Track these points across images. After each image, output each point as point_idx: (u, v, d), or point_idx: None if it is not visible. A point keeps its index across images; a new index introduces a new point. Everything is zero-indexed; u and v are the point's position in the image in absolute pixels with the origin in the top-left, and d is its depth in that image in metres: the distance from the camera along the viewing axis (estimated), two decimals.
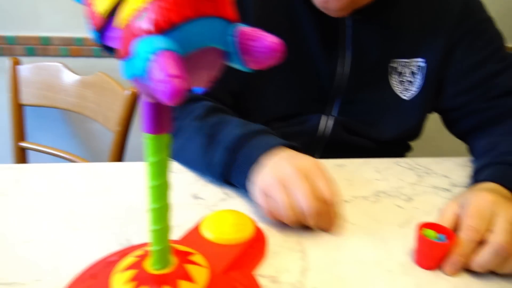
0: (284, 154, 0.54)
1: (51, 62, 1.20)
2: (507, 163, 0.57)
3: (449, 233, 0.46)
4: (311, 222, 0.49)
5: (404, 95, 0.77)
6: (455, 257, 0.45)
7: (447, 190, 0.64)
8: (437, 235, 0.46)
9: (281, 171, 0.51)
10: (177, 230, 0.49)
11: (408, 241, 0.50)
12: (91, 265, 0.42)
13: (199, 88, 0.27)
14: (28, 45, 1.26)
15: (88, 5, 0.28)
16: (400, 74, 0.76)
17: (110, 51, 0.29)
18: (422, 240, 0.46)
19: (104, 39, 0.28)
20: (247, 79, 0.74)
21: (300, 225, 0.51)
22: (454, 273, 0.45)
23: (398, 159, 0.74)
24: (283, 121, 0.78)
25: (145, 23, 0.23)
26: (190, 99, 0.68)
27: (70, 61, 1.25)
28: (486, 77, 0.72)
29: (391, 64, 0.76)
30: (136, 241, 0.48)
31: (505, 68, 0.72)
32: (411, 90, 0.77)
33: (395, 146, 0.82)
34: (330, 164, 0.70)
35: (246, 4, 0.72)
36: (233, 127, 0.60)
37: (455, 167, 0.72)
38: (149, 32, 0.23)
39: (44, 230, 0.49)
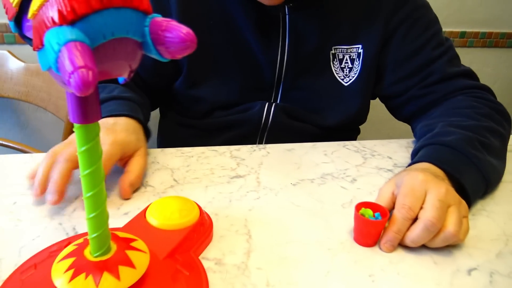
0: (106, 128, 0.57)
1: None
2: (439, 143, 0.61)
3: (384, 211, 0.49)
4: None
5: (344, 81, 0.80)
6: (391, 234, 0.48)
7: (390, 170, 0.68)
8: (374, 214, 0.49)
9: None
10: (126, 218, 0.50)
11: (349, 220, 0.52)
12: (33, 255, 0.42)
13: (121, 78, 0.28)
14: None
15: None
16: (341, 61, 0.78)
17: (29, 40, 0.29)
18: (359, 219, 0.48)
19: (22, 29, 0.28)
20: (188, 70, 0.75)
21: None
22: (390, 249, 0.48)
23: (346, 142, 0.77)
24: (226, 109, 0.79)
25: (52, 14, 0.23)
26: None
27: (17, 48, 1.20)
28: (422, 64, 0.75)
29: (332, 51, 0.78)
30: (83, 230, 0.48)
31: (441, 54, 0.76)
32: (350, 76, 0.79)
33: (341, 131, 0.85)
34: (280, 149, 0.72)
35: (175, 11, 0.72)
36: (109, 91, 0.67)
37: (399, 149, 0.76)
38: (56, 24, 0.23)
39: None
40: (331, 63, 0.78)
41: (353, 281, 0.44)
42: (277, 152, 0.71)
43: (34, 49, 0.26)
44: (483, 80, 0.76)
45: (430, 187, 0.50)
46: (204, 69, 0.76)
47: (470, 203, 0.55)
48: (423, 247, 0.49)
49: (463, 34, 1.57)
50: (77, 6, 0.23)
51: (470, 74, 0.77)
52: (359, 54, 0.78)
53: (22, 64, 1.14)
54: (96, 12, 0.24)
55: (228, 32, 0.75)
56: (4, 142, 1.16)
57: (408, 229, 0.48)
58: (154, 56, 0.28)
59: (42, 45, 0.24)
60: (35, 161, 0.62)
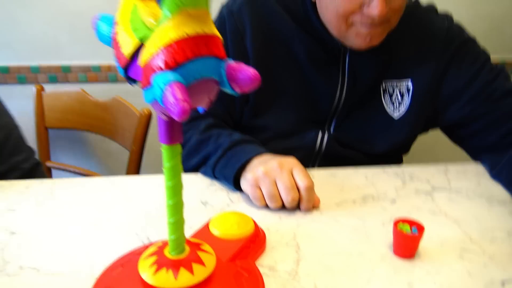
0: (267, 156, 0.69)
1: (72, 89, 1.31)
2: None
3: (420, 226, 0.54)
4: (288, 206, 0.63)
5: (394, 114, 0.86)
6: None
7: (428, 193, 0.72)
8: (411, 228, 0.54)
9: (268, 166, 0.64)
10: (190, 230, 0.57)
11: (389, 236, 0.58)
12: (119, 257, 0.51)
13: (201, 108, 0.37)
14: (50, 73, 1.38)
15: (116, 49, 0.38)
16: (391, 95, 0.85)
17: (132, 81, 0.39)
18: (397, 233, 0.54)
19: (128, 73, 0.38)
20: (255, 102, 0.84)
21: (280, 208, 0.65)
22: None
23: (385, 166, 0.82)
24: (284, 138, 0.87)
25: (159, 63, 0.33)
26: (197, 117, 0.81)
27: (88, 86, 1.36)
28: (483, 85, 0.80)
29: (383, 86, 0.85)
30: (156, 239, 0.56)
31: (497, 75, 0.81)
32: (400, 109, 0.85)
33: (386, 159, 0.90)
34: (325, 174, 0.78)
35: (249, 47, 0.82)
36: (227, 136, 0.75)
37: (437, 173, 0.80)
38: (162, 69, 0.32)
39: (77, 232, 0.58)
40: (382, 97, 0.85)
41: None
42: (322, 176, 0.77)
43: (142, 88, 0.35)
44: None
45: None
46: (269, 100, 0.85)
47: None
48: (459, 259, 0.53)
49: (503, 63, 1.58)
50: (177, 57, 0.32)
51: None
52: (408, 89, 0.84)
53: (94, 100, 1.29)
54: (190, 61, 0.33)
55: (292, 69, 0.84)
56: (76, 170, 1.30)
57: None
58: (228, 90, 0.37)
59: (149, 84, 0.33)
60: (111, 183, 0.72)
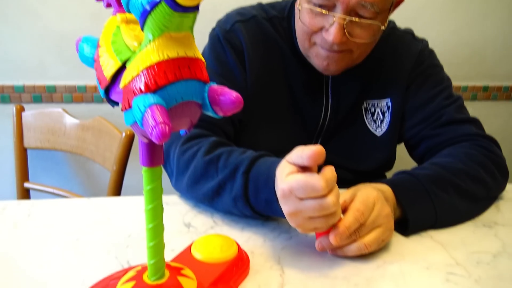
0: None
1: (53, 108, 1.29)
2: (409, 173, 0.68)
3: None
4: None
5: (377, 132, 0.88)
6: (341, 228, 0.54)
7: None
8: None
9: None
10: (172, 254, 0.56)
11: (376, 260, 0.57)
12: (97, 282, 0.49)
13: (183, 130, 0.36)
14: (35, 93, 1.36)
15: (98, 70, 0.37)
16: (372, 114, 0.88)
17: (113, 103, 0.38)
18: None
19: (109, 95, 0.37)
20: (243, 120, 0.84)
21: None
22: (338, 242, 0.54)
23: None
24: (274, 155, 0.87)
25: (140, 85, 0.32)
26: (198, 136, 0.73)
27: (72, 106, 1.35)
28: (435, 110, 0.83)
29: (364, 106, 0.87)
30: (135, 263, 0.55)
31: (451, 103, 0.84)
32: (382, 127, 0.88)
33: (371, 177, 0.91)
34: None
35: (247, 65, 0.83)
36: (240, 154, 0.66)
37: None
38: (142, 91, 0.32)
39: (55, 256, 0.56)
40: (364, 116, 0.88)
41: None
42: None
43: (122, 110, 0.34)
44: (510, 133, 0.81)
45: (377, 205, 0.57)
46: (259, 119, 0.86)
47: (407, 231, 0.64)
48: (445, 282, 0.53)
49: (486, 88, 1.62)
50: (158, 79, 0.32)
51: (476, 123, 0.84)
52: (388, 107, 0.87)
53: (75, 120, 1.27)
54: (172, 83, 0.32)
55: (283, 90, 0.86)
56: (55, 191, 1.27)
57: (355, 229, 0.55)
58: (211, 114, 0.36)
59: (130, 107, 0.33)
60: (91, 204, 0.71)
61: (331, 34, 0.71)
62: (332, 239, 0.54)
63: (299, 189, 0.50)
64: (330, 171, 0.52)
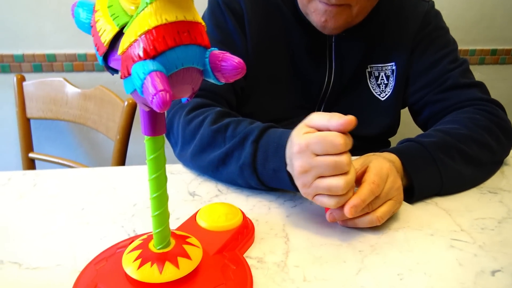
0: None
1: (54, 78, 1.28)
2: (415, 141, 0.67)
3: None
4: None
5: (381, 96, 0.86)
6: (357, 200, 0.52)
7: None
8: None
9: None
10: (177, 222, 0.56)
11: (379, 227, 0.57)
12: (103, 251, 0.49)
13: (184, 98, 0.35)
14: (35, 62, 1.34)
15: (95, 36, 0.36)
16: (377, 78, 0.86)
17: (112, 71, 0.37)
18: None
19: (108, 62, 0.36)
20: (247, 87, 0.83)
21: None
22: (353, 213, 0.52)
23: None
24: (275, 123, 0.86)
25: (138, 51, 0.31)
26: (202, 105, 0.72)
27: (73, 75, 1.33)
28: (439, 74, 0.82)
29: (368, 70, 0.85)
30: (141, 231, 0.55)
31: (456, 67, 0.82)
32: (386, 91, 0.86)
33: (375, 143, 0.91)
34: None
35: (248, 31, 0.81)
36: (248, 124, 0.66)
37: None
38: (141, 58, 0.31)
39: (60, 225, 0.56)
40: (368, 80, 0.86)
41: (382, 279, 0.48)
42: None
43: (121, 78, 0.33)
44: None
45: (390, 178, 0.56)
46: (261, 86, 0.84)
47: (413, 198, 0.63)
48: (449, 249, 0.53)
49: (494, 52, 1.58)
50: (157, 45, 0.31)
51: (481, 87, 0.82)
52: (393, 71, 0.85)
53: (77, 89, 1.26)
54: (171, 49, 0.31)
55: (284, 56, 0.84)
56: (60, 161, 1.27)
57: (370, 202, 0.54)
58: (212, 80, 0.35)
59: (129, 74, 0.32)
60: (96, 174, 0.71)
61: None
62: (347, 211, 0.52)
63: (317, 143, 0.50)
64: (347, 136, 0.51)
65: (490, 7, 1.52)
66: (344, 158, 0.50)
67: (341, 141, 0.49)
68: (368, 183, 0.54)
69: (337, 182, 0.51)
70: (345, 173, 0.51)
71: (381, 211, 0.55)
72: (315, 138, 0.51)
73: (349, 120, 0.50)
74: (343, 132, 0.51)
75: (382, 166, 0.56)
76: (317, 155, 0.51)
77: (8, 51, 1.32)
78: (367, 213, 0.55)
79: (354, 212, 0.52)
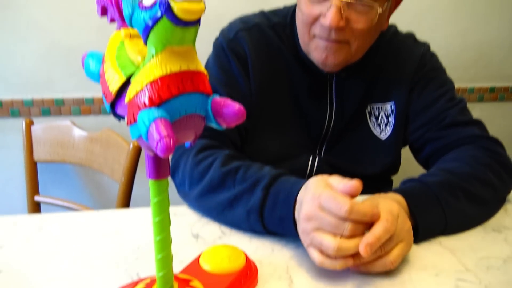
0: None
1: (61, 121, 1.31)
2: (419, 180, 0.67)
3: None
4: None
5: (381, 136, 0.88)
6: (371, 239, 0.50)
7: None
8: None
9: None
10: (181, 265, 0.56)
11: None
12: None
13: (188, 142, 0.37)
14: (43, 107, 1.38)
15: (103, 85, 0.38)
16: (377, 117, 0.88)
17: (119, 117, 0.39)
18: None
19: (115, 109, 0.38)
20: (248, 128, 0.84)
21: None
22: (369, 253, 0.50)
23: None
24: (276, 163, 0.87)
25: (144, 99, 0.33)
26: (210, 146, 0.74)
27: (80, 119, 1.36)
28: (438, 112, 0.84)
29: (368, 110, 0.88)
30: (145, 275, 0.55)
31: (453, 105, 0.84)
32: (386, 130, 0.88)
33: (377, 181, 0.91)
34: None
35: (251, 73, 0.84)
36: (258, 169, 0.67)
37: None
38: (146, 106, 0.32)
39: (65, 269, 0.56)
40: (368, 119, 0.88)
41: None
42: None
43: (127, 124, 0.35)
44: None
45: (400, 219, 0.56)
46: (264, 126, 0.86)
47: (417, 238, 0.61)
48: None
49: (492, 89, 1.61)
50: (162, 93, 0.32)
51: (479, 125, 0.84)
52: (392, 110, 0.87)
53: (84, 133, 1.28)
54: (175, 97, 0.33)
55: (287, 96, 0.86)
56: (65, 204, 1.28)
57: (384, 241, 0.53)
58: (214, 125, 0.37)
59: (135, 121, 0.33)
60: (101, 216, 0.71)
61: (328, 18, 0.71)
62: (362, 250, 0.50)
63: (326, 199, 0.53)
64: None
65: (487, 47, 1.56)
66: (346, 225, 0.51)
67: (347, 209, 0.51)
68: (382, 221, 0.52)
69: (330, 241, 0.52)
70: (345, 237, 0.52)
71: (394, 255, 0.54)
72: (327, 194, 0.53)
73: (354, 185, 0.54)
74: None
75: (391, 207, 0.56)
76: (324, 210, 0.53)
77: (19, 96, 1.36)
78: (380, 257, 0.54)
79: (370, 251, 0.50)
